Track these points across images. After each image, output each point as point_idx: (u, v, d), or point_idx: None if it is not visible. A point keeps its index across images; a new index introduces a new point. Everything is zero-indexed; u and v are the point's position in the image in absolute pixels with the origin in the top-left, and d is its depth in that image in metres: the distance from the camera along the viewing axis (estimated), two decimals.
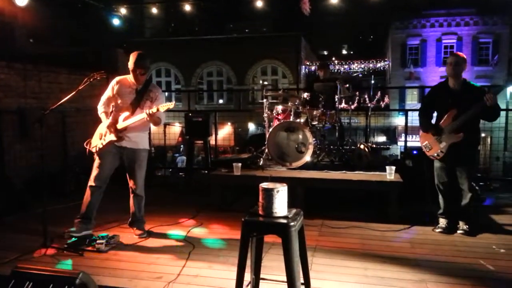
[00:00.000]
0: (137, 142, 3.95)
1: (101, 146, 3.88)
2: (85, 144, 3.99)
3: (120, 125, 3.82)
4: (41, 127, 3.66)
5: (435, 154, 4.02)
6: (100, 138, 3.91)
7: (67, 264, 3.33)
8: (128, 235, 3.99)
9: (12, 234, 4.13)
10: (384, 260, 3.38)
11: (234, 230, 4.11)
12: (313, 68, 22.26)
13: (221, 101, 23.46)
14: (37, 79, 6.20)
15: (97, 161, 3.92)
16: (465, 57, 4.00)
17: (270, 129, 5.19)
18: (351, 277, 3.07)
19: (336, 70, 22.78)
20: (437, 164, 4.13)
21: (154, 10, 11.80)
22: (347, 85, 5.56)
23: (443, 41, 23.09)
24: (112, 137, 3.84)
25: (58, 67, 6.68)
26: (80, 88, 3.79)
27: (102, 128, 3.94)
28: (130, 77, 3.90)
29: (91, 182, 3.90)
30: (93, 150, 3.92)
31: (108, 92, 3.94)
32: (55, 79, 6.57)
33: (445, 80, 4.08)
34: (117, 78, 3.95)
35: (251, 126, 20.10)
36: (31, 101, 6.06)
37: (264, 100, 5.53)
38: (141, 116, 3.74)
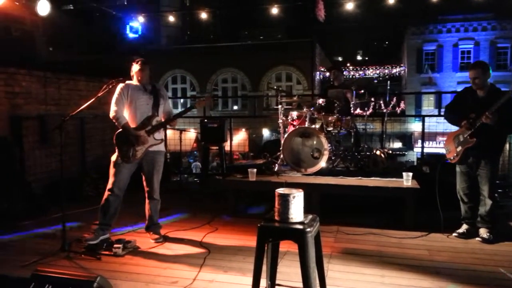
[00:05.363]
0: (159, 145, 4.04)
1: (140, 155, 3.88)
2: (117, 159, 3.87)
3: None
4: (61, 133, 3.73)
5: (451, 157, 4.08)
6: (132, 146, 3.85)
7: (85, 268, 3.37)
8: (144, 240, 4.02)
9: (32, 237, 4.21)
10: (402, 268, 3.34)
11: (249, 235, 4.11)
12: (327, 74, 22.20)
13: (235, 107, 23.54)
14: (56, 86, 6.34)
15: (116, 169, 3.88)
16: (485, 66, 3.93)
17: (285, 135, 5.19)
18: (368, 284, 3.04)
19: (351, 76, 22.67)
20: (458, 169, 4.14)
21: (171, 18, 11.94)
22: (362, 91, 5.54)
23: (460, 46, 22.82)
24: (151, 142, 3.91)
25: (77, 74, 6.82)
26: (99, 95, 3.86)
27: (132, 137, 3.86)
28: (133, 81, 4.00)
29: (111, 191, 3.88)
30: (132, 159, 3.87)
31: (122, 98, 3.88)
32: (74, 86, 6.71)
33: (471, 85, 4.02)
34: (124, 84, 3.94)
35: (266, 132, 20.11)
36: (51, 107, 6.20)
37: (279, 106, 5.54)
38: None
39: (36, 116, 5.87)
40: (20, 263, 3.41)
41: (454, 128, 4.18)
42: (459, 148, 4.00)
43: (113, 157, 3.93)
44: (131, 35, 8.17)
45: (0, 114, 5.39)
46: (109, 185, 3.91)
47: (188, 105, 4.36)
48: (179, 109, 18.35)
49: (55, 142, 5.86)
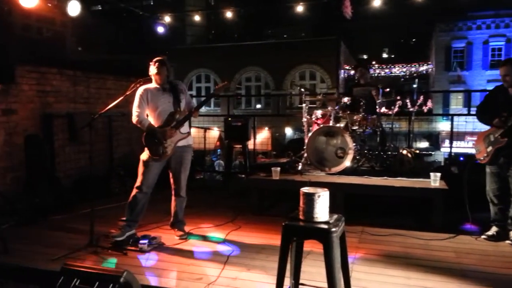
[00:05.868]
0: (187, 139, 4.06)
1: (170, 151, 3.90)
2: (147, 158, 3.91)
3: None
4: (90, 130, 3.82)
5: (481, 158, 3.99)
6: (161, 144, 3.87)
7: (111, 263, 3.45)
8: (169, 236, 4.08)
9: (61, 232, 4.32)
10: (428, 270, 3.27)
11: (272, 234, 4.11)
12: (352, 72, 21.93)
13: (258, 106, 23.55)
14: (86, 85, 6.50)
15: (146, 168, 3.92)
16: None
17: (309, 134, 5.16)
18: (393, 286, 3.00)
19: (376, 74, 22.31)
20: (488, 170, 4.04)
21: (196, 18, 12.02)
22: (388, 89, 5.45)
23: (490, 43, 22.08)
24: (178, 137, 3.93)
25: (105, 73, 6.96)
26: (127, 93, 3.93)
27: (160, 134, 3.88)
28: (152, 84, 3.98)
29: (140, 188, 3.93)
30: (163, 157, 3.91)
31: (142, 102, 3.89)
32: (103, 84, 6.86)
33: (502, 83, 3.93)
34: (144, 87, 3.93)
35: (288, 131, 20.05)
36: (80, 106, 6.36)
37: (303, 105, 5.51)
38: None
39: (66, 114, 6.03)
40: (50, 256, 3.52)
41: (484, 128, 4.07)
42: (490, 148, 3.90)
43: (143, 156, 3.97)
44: (157, 35, 8.30)
45: (32, 112, 5.56)
46: (137, 183, 3.96)
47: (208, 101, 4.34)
48: (204, 109, 18.51)
49: (84, 139, 6.00)
